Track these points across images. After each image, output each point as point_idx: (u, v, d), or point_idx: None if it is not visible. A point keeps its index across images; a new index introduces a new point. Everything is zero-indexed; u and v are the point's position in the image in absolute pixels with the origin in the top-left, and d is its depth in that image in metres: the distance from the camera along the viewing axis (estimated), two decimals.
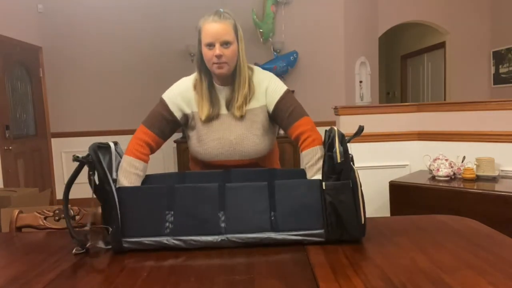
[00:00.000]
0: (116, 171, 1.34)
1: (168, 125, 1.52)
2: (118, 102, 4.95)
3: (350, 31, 5.00)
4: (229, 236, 1.18)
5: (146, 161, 1.44)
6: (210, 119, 1.50)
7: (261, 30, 4.79)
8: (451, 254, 1.09)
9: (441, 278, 0.94)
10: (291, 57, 4.86)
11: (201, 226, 1.19)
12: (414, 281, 0.93)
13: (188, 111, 1.53)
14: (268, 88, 1.51)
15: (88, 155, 1.21)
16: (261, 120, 1.52)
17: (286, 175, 1.45)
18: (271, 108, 1.51)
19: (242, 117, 1.50)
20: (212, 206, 1.19)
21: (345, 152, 1.18)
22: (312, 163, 1.38)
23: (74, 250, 1.20)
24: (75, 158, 1.19)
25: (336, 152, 1.17)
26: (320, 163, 1.33)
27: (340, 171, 1.18)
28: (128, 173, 1.37)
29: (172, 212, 1.19)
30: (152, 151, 1.50)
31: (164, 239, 1.18)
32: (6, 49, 4.14)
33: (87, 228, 1.30)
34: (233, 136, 1.50)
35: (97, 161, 1.20)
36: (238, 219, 1.19)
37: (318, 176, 1.29)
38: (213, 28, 1.40)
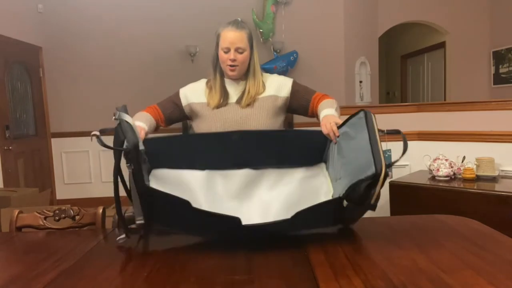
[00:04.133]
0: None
1: (175, 110, 1.71)
2: (118, 102, 4.93)
3: (350, 31, 5.00)
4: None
5: (155, 119, 1.66)
6: (218, 106, 1.65)
7: (261, 30, 4.79)
8: (451, 254, 1.09)
9: (441, 278, 0.94)
10: (291, 57, 4.86)
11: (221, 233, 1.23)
12: (414, 281, 0.93)
13: (194, 100, 1.69)
14: (278, 81, 1.71)
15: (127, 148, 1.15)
16: (268, 107, 1.65)
17: (298, 137, 1.48)
18: (288, 93, 1.69)
19: (248, 106, 1.64)
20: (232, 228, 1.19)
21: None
22: (328, 105, 1.59)
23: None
24: (101, 142, 1.11)
25: (374, 194, 1.14)
26: (335, 107, 1.56)
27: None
28: (142, 117, 1.60)
29: (193, 221, 1.19)
30: (156, 125, 1.69)
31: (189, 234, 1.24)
32: (6, 49, 4.13)
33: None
34: (239, 116, 1.63)
35: (135, 160, 1.15)
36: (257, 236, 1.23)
37: (331, 111, 1.51)
38: (230, 35, 1.60)
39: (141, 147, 1.26)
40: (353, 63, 5.04)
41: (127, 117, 1.20)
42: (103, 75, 4.94)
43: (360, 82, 5.11)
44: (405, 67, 7.45)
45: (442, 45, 6.09)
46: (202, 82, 1.74)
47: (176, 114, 1.72)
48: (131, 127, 1.18)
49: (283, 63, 4.80)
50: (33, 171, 4.55)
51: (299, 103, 1.70)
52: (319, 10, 4.95)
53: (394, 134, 1.25)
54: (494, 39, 5.70)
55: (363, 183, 1.14)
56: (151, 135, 1.53)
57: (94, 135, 1.12)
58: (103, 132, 1.16)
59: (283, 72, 4.77)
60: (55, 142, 4.97)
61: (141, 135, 1.44)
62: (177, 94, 1.72)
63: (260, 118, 1.63)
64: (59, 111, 4.94)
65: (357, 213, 1.26)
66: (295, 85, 1.71)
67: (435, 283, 0.91)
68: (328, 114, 1.51)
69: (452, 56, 5.91)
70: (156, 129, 1.69)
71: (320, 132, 1.44)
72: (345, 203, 1.17)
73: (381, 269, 1.00)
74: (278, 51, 4.86)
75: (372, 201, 1.14)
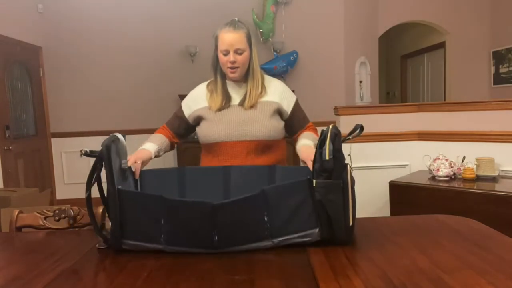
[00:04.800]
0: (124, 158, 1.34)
1: (181, 123, 1.74)
2: (118, 102, 4.95)
3: (350, 31, 5.01)
4: (224, 250, 1.15)
5: (169, 139, 1.72)
6: (221, 109, 1.65)
7: (261, 30, 4.80)
8: (451, 254, 1.09)
9: (441, 278, 0.94)
10: (291, 57, 4.86)
11: (194, 240, 1.16)
12: (414, 281, 0.93)
13: (196, 107, 1.69)
14: (283, 91, 1.72)
15: (99, 150, 1.21)
16: (271, 110, 1.65)
17: (286, 173, 1.45)
18: (289, 109, 1.71)
19: (252, 108, 1.64)
20: (204, 223, 1.13)
21: (337, 151, 1.15)
22: (310, 138, 1.64)
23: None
24: (85, 153, 1.21)
25: (325, 149, 1.14)
26: (316, 140, 1.47)
27: (331, 169, 1.14)
28: (153, 139, 1.65)
29: (166, 224, 1.15)
30: (171, 143, 1.74)
31: (160, 247, 1.17)
32: (6, 49, 4.13)
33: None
34: (241, 119, 1.62)
35: (106, 159, 1.19)
36: (232, 234, 1.15)
37: (309, 143, 1.56)
38: (228, 37, 1.58)
39: (124, 165, 1.31)
40: (353, 63, 5.04)
41: (119, 135, 1.31)
42: (103, 75, 4.94)
43: (360, 82, 5.11)
44: (405, 67, 7.45)
45: (442, 45, 6.09)
46: (202, 86, 1.74)
47: (183, 127, 1.75)
48: (114, 138, 1.26)
49: (283, 63, 4.80)
50: (33, 171, 4.55)
51: (292, 124, 1.74)
52: (319, 10, 4.95)
53: (359, 131, 1.26)
54: (494, 39, 5.70)
55: (317, 151, 1.19)
56: (147, 168, 1.54)
57: (83, 151, 1.22)
58: (93, 152, 1.24)
59: (283, 72, 4.77)
60: (55, 142, 4.97)
61: (144, 157, 1.51)
62: (180, 107, 1.76)
63: (264, 120, 1.62)
64: (59, 111, 4.95)
65: (332, 201, 1.15)
66: (296, 105, 1.73)
67: (435, 283, 0.91)
68: (306, 144, 1.58)
69: (452, 56, 5.91)
70: (172, 147, 1.76)
71: (307, 167, 1.43)
72: (314, 183, 1.15)
73: (381, 269, 1.00)
74: (278, 51, 4.86)
75: (327, 157, 1.13)
